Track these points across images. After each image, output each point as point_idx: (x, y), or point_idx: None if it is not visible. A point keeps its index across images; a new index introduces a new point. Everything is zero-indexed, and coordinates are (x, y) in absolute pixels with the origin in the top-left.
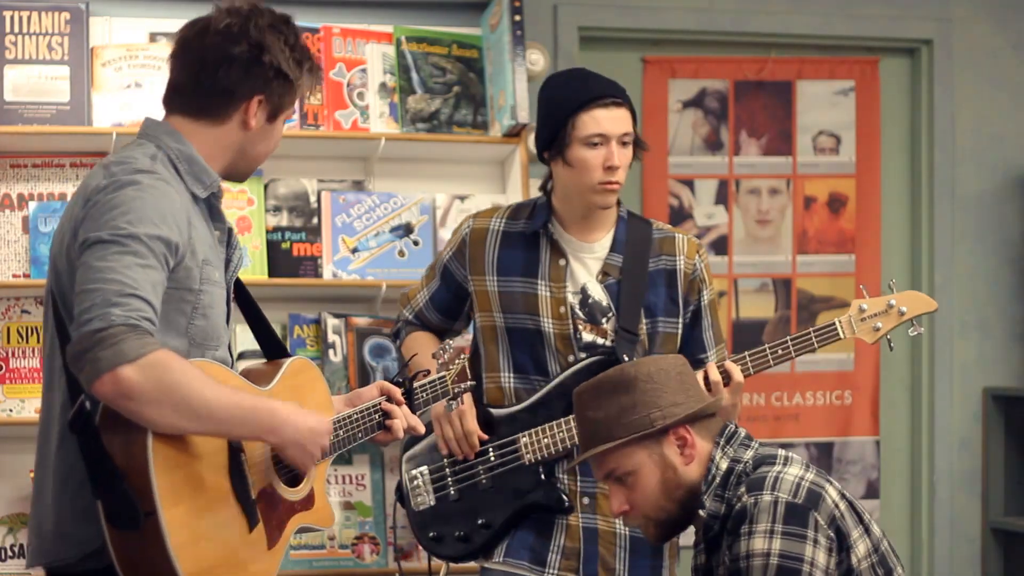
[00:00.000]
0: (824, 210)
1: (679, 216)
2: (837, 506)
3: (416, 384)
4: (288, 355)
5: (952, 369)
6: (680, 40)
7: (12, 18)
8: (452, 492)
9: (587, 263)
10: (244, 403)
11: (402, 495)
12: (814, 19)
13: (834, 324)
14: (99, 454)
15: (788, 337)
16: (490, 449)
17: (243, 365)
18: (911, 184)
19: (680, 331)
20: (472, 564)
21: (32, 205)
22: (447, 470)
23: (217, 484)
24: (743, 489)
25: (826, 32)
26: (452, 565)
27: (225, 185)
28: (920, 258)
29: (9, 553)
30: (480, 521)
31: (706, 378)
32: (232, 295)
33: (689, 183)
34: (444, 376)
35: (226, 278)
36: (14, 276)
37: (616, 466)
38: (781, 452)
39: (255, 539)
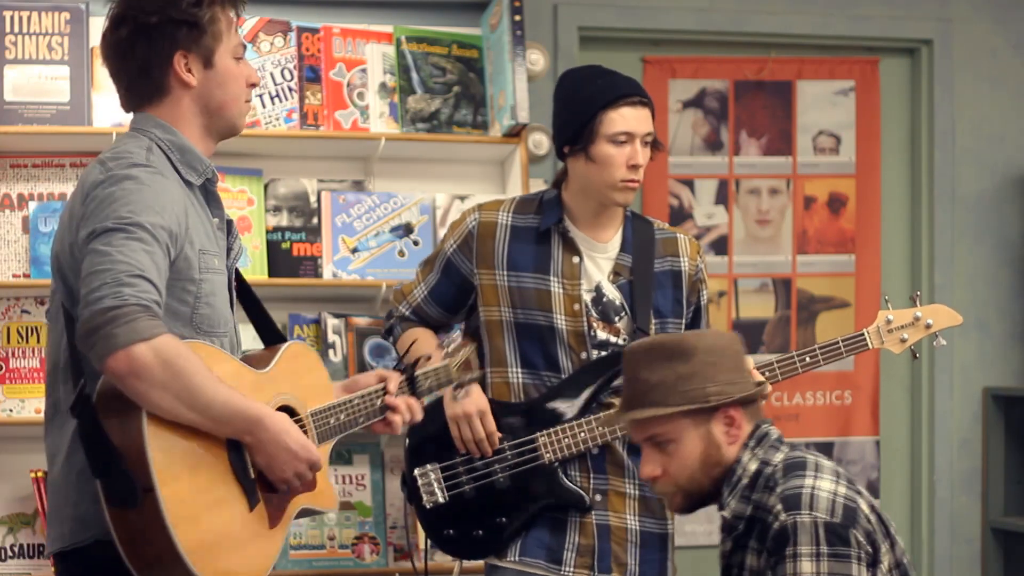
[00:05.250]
0: (824, 210)
1: (679, 216)
2: (869, 520)
3: (419, 371)
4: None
5: (952, 369)
6: (680, 40)
7: (12, 18)
8: (468, 490)
9: (599, 262)
10: (235, 403)
11: (409, 492)
12: (814, 19)
13: (863, 334)
14: (97, 435)
15: (816, 346)
16: (507, 447)
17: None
18: (911, 184)
19: (683, 331)
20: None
21: (32, 205)
22: (461, 468)
23: (216, 464)
24: (779, 506)
25: (826, 32)
26: (465, 563)
27: (224, 185)
28: (920, 258)
29: (9, 553)
30: (499, 519)
31: None
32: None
33: (689, 183)
34: (447, 364)
35: (227, 265)
36: (14, 276)
37: (660, 432)
38: (811, 458)
39: (256, 518)
